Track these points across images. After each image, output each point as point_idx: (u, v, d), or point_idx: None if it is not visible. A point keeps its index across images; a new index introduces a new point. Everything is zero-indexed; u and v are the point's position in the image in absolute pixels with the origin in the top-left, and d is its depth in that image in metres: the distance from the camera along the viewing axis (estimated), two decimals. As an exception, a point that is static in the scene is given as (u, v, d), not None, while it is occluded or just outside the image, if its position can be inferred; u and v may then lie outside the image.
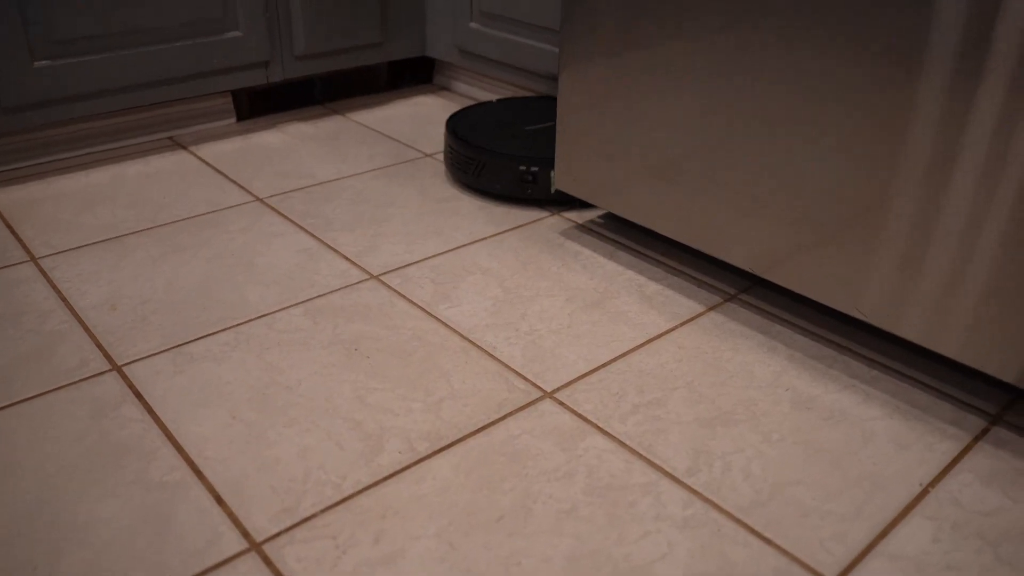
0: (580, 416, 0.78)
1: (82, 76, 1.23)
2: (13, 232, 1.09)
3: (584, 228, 1.13)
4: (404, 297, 0.96)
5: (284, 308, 0.93)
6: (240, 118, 1.49)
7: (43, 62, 1.20)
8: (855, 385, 0.83)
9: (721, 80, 0.86)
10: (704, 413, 0.79)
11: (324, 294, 0.96)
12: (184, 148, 1.37)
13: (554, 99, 1.38)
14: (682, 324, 0.92)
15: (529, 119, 1.29)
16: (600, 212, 1.18)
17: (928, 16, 0.69)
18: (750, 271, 0.91)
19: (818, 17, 0.76)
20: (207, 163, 1.31)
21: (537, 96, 1.40)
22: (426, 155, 1.36)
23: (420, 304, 0.95)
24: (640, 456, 0.73)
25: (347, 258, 1.04)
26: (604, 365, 0.85)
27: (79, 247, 1.06)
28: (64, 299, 0.95)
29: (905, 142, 0.74)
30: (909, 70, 0.72)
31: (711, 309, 0.95)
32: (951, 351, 0.77)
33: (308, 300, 0.95)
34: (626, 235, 1.11)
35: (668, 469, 0.72)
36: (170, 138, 1.41)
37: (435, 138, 1.43)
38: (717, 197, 0.91)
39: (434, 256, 1.05)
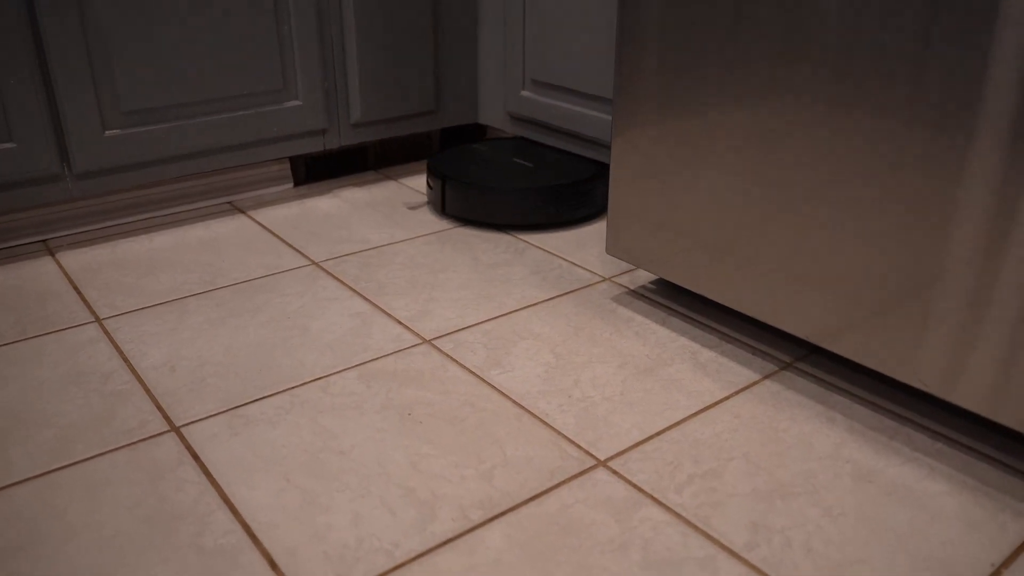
0: (635, 486, 0.77)
1: (149, 144, 1.28)
2: (80, 294, 1.13)
3: (636, 294, 1.13)
4: (457, 362, 0.96)
5: (338, 372, 0.94)
6: (297, 183, 1.53)
7: (114, 131, 1.25)
8: (919, 458, 0.81)
9: (772, 150, 0.86)
10: (762, 485, 0.77)
11: (378, 358, 0.97)
12: (243, 213, 1.41)
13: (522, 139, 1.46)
14: (737, 392, 0.91)
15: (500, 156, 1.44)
16: (652, 277, 1.18)
17: (981, 86, 0.69)
18: (806, 339, 0.90)
19: (866, 86, 0.77)
20: (265, 227, 1.35)
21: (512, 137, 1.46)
22: (478, 220, 1.38)
23: (473, 369, 0.95)
24: (697, 529, 0.72)
25: (400, 322, 1.05)
26: (658, 434, 0.84)
27: (141, 309, 1.09)
28: (126, 360, 0.97)
29: (961, 210, 0.73)
30: (962, 139, 0.71)
31: (767, 377, 0.94)
32: (1014, 422, 0.74)
33: (362, 364, 0.96)
34: (678, 301, 1.11)
35: (726, 543, 0.70)
36: (230, 203, 1.45)
37: (486, 203, 1.45)
38: (770, 266, 0.90)
39: (486, 321, 1.06)
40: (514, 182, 1.33)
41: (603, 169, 1.41)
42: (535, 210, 1.32)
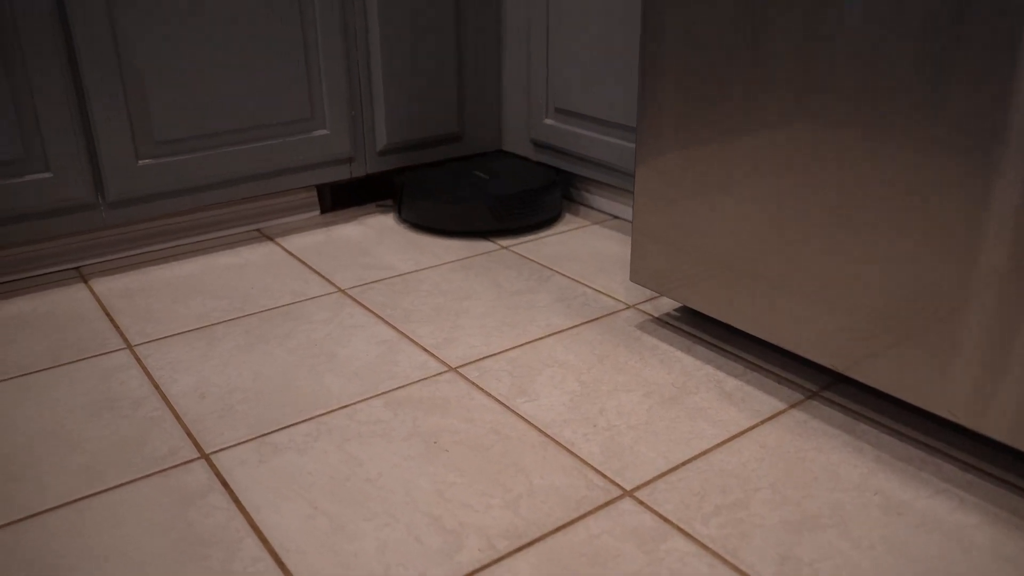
0: (661, 516, 0.77)
1: (181, 173, 1.31)
2: (112, 320, 1.15)
3: (660, 321, 1.13)
4: (482, 390, 0.97)
5: (365, 399, 0.95)
6: (323, 211, 1.55)
7: (146, 161, 1.27)
8: (948, 490, 0.80)
9: (794, 176, 0.87)
10: (789, 516, 0.77)
11: (404, 386, 0.98)
12: (271, 240, 1.43)
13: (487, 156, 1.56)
14: (763, 422, 0.91)
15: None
16: (676, 304, 1.18)
17: (1005, 110, 0.69)
18: (831, 368, 0.89)
19: (887, 112, 0.77)
20: (292, 254, 1.37)
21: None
22: (501, 247, 1.39)
23: (498, 397, 0.95)
24: (724, 560, 0.71)
25: (426, 350, 1.06)
26: (684, 463, 0.84)
27: (172, 335, 1.10)
28: (157, 386, 0.99)
29: (986, 235, 0.73)
30: (987, 163, 0.71)
31: (793, 406, 0.93)
32: (1052, 457, 0.73)
33: (388, 392, 0.97)
34: (703, 328, 1.11)
35: (753, 575, 0.70)
36: (258, 230, 1.47)
37: (510, 230, 1.46)
38: (794, 292, 0.90)
39: (511, 349, 1.06)
40: (482, 192, 1.44)
41: (558, 173, 1.57)
42: (506, 216, 1.42)
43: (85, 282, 1.27)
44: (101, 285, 1.26)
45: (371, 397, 0.96)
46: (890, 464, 0.84)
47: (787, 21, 0.84)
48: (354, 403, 0.95)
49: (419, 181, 1.48)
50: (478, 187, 1.46)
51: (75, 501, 0.80)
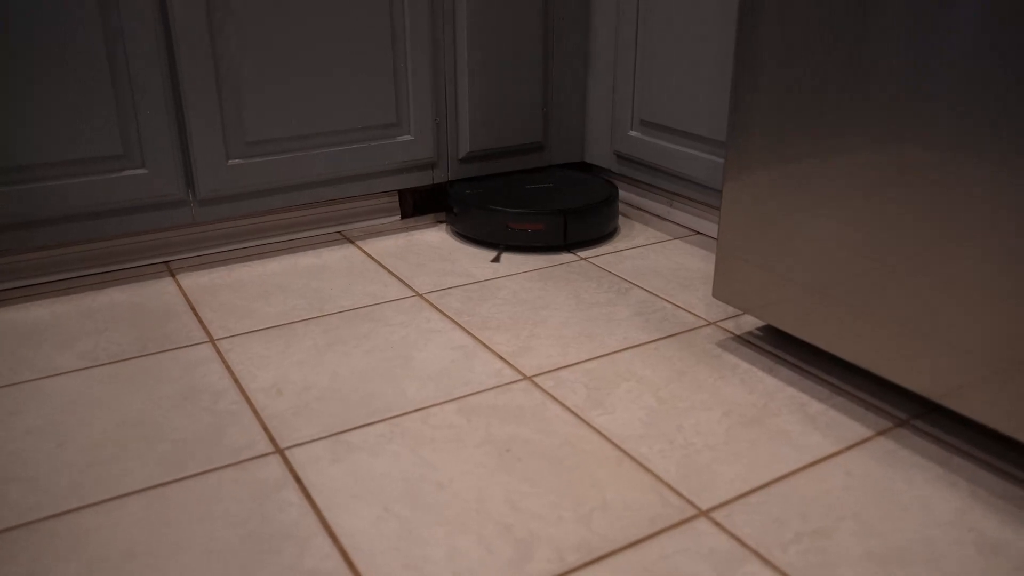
0: (738, 540, 0.74)
1: (268, 174, 1.34)
2: (196, 314, 1.17)
3: (742, 340, 1.10)
4: (557, 401, 0.96)
5: (439, 404, 0.95)
6: (404, 216, 1.57)
7: (236, 160, 1.31)
8: (1050, 532, 0.75)
9: (891, 197, 0.83)
10: (876, 549, 0.73)
11: (478, 392, 0.97)
12: (352, 242, 1.45)
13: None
14: (849, 448, 0.87)
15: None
16: (758, 323, 1.14)
17: None
18: (925, 396, 0.85)
19: (993, 133, 0.73)
20: (372, 257, 1.38)
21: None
22: (580, 258, 1.38)
23: (573, 409, 0.94)
24: (804, 590, 0.68)
25: (501, 357, 1.05)
26: (764, 486, 0.81)
27: (253, 331, 1.12)
28: (237, 380, 1.00)
29: (1111, 269, 0.68)
30: (1116, 193, 0.67)
31: (881, 434, 0.89)
32: None
33: (462, 397, 0.96)
34: (786, 349, 1.07)
35: (836, 608, 0.67)
36: (339, 232, 1.49)
37: (590, 241, 1.45)
38: (885, 316, 0.86)
39: (588, 360, 1.05)
40: (546, 205, 1.42)
41: (611, 186, 1.52)
42: (572, 230, 1.40)
43: (173, 276, 1.30)
44: (188, 280, 1.29)
45: (445, 402, 0.96)
46: (987, 500, 0.79)
47: (888, 38, 0.80)
48: (428, 407, 0.95)
49: (472, 192, 1.47)
50: (540, 200, 1.44)
51: (156, 487, 0.81)
